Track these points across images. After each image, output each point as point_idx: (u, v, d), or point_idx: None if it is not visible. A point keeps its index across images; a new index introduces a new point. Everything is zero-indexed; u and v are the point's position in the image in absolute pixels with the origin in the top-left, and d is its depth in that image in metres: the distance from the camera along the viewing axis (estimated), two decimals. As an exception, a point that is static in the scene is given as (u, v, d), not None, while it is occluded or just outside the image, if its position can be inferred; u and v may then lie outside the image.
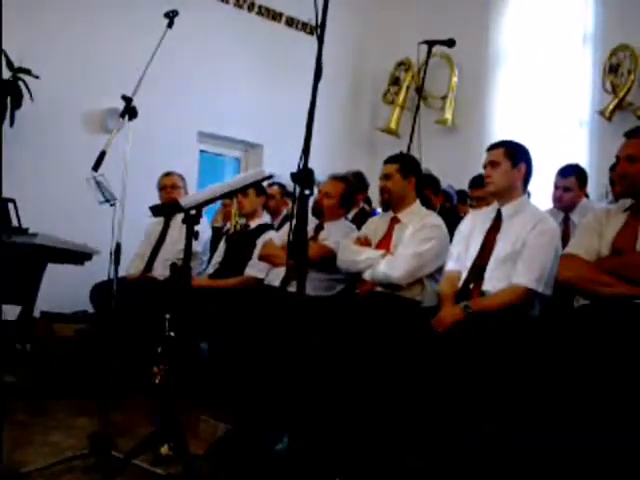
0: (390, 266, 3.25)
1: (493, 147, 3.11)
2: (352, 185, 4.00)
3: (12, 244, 3.88)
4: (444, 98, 6.58)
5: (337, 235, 3.72)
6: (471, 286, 3.00)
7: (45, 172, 5.14)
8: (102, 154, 3.13)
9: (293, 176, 2.16)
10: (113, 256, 2.86)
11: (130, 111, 3.16)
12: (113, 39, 5.44)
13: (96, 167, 3.16)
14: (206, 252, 4.54)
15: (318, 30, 2.34)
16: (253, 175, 2.72)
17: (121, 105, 5.19)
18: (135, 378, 3.53)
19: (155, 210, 2.73)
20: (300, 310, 2.23)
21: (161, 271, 4.35)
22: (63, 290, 4.56)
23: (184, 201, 2.52)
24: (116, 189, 4.33)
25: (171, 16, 3.32)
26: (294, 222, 2.11)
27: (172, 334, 2.73)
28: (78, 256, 3.88)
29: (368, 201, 5.09)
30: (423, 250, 3.27)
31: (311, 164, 2.17)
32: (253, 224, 4.31)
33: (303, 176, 2.12)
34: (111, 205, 4.33)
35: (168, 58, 4.35)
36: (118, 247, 2.98)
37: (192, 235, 2.52)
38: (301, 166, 2.17)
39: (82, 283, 4.46)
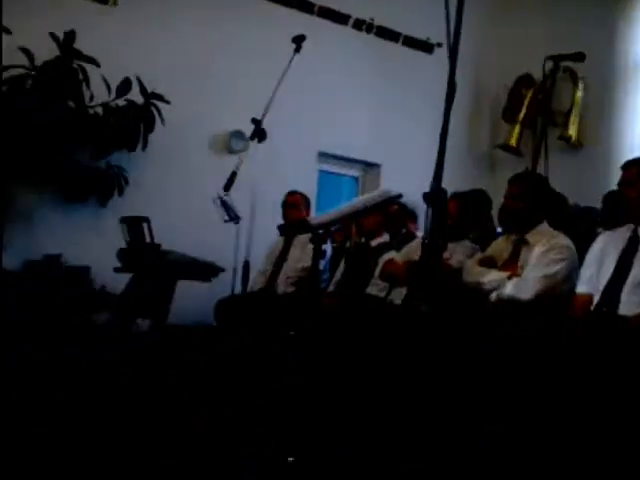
0: (518, 288, 3.15)
1: (630, 165, 2.97)
2: (475, 204, 3.93)
3: (145, 261, 4.11)
4: (567, 114, 6.37)
5: (460, 255, 3.67)
6: (604, 310, 2.88)
7: (174, 192, 5.39)
8: (233, 175, 3.26)
9: (426, 196, 2.15)
10: (241, 273, 2.98)
11: (259, 133, 3.26)
12: (238, 63, 5.65)
13: (227, 188, 3.28)
14: (327, 270, 4.59)
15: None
16: (380, 195, 2.74)
17: (244, 127, 5.44)
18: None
19: (283, 229, 2.80)
20: (428, 328, 2.21)
21: (283, 288, 4.44)
22: (186, 304, 4.74)
23: (313, 220, 2.57)
24: (240, 208, 4.52)
25: (299, 41, 3.41)
26: (425, 241, 2.10)
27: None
28: (206, 273, 4.04)
29: (490, 220, 4.98)
30: (553, 272, 3.15)
31: (430, 182, 2.16)
32: (374, 243, 4.32)
33: (436, 196, 2.11)
34: (235, 223, 4.51)
35: (290, 80, 4.50)
36: (247, 265, 3.10)
37: (320, 254, 2.56)
38: (430, 186, 2.16)
39: (204, 298, 4.63)
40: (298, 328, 2.85)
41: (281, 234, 2.97)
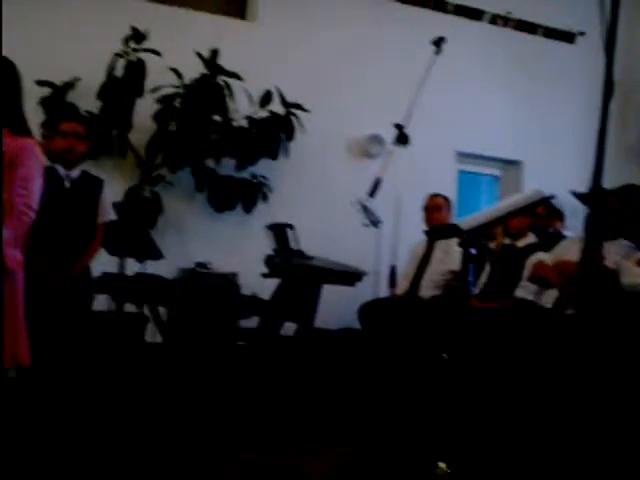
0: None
1: None
2: (632, 200, 3.71)
3: (290, 266, 4.22)
4: None
5: (616, 255, 3.48)
6: None
7: (315, 197, 5.50)
8: (377, 181, 3.27)
9: (582, 195, 2.06)
10: (388, 277, 2.98)
11: (402, 138, 3.26)
12: (373, 67, 5.68)
13: (372, 193, 3.31)
14: (470, 273, 4.50)
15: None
16: (532, 195, 2.65)
17: (382, 130, 5.45)
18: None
19: (432, 233, 2.77)
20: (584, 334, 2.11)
21: (427, 291, 4.41)
22: (327, 307, 4.81)
23: (463, 224, 2.53)
24: (381, 211, 4.54)
25: (439, 43, 3.37)
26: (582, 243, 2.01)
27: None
28: (350, 277, 4.08)
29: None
30: None
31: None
32: (520, 244, 4.19)
33: (595, 195, 2.02)
34: (376, 227, 4.53)
35: (427, 80, 4.46)
36: (393, 270, 3.11)
37: (470, 258, 2.52)
38: (589, 184, 2.06)
39: (346, 302, 4.69)
40: (446, 335, 2.81)
41: (430, 238, 2.94)
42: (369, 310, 4.36)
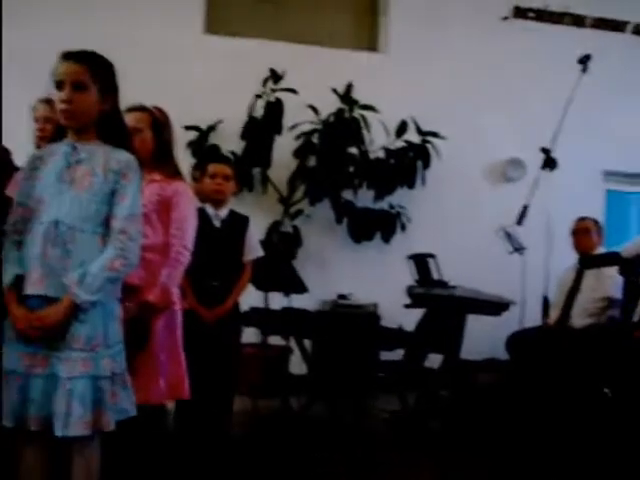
0: None
1: None
2: None
3: (434, 297, 4.15)
4: None
5: None
6: None
7: (453, 225, 5.41)
8: (525, 208, 3.16)
9: None
10: (541, 306, 2.86)
11: (550, 162, 3.13)
12: (509, 90, 5.55)
13: (520, 221, 3.19)
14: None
15: None
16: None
17: (521, 154, 5.30)
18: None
19: (586, 262, 2.63)
20: None
21: (579, 320, 4.17)
22: (472, 337, 4.67)
23: (624, 252, 2.38)
24: (526, 237, 4.38)
25: (585, 61, 3.23)
26: None
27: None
28: (496, 307, 3.95)
29: None
30: None
31: None
32: (683, 268, 3.89)
33: None
34: (520, 254, 4.37)
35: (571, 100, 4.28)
36: (546, 299, 2.98)
37: (636, 287, 2.35)
38: None
39: (490, 332, 4.52)
40: (607, 368, 2.63)
41: (584, 267, 2.79)
42: (518, 340, 4.20)
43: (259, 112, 4.95)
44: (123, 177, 2.11)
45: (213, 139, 5.03)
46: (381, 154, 5.16)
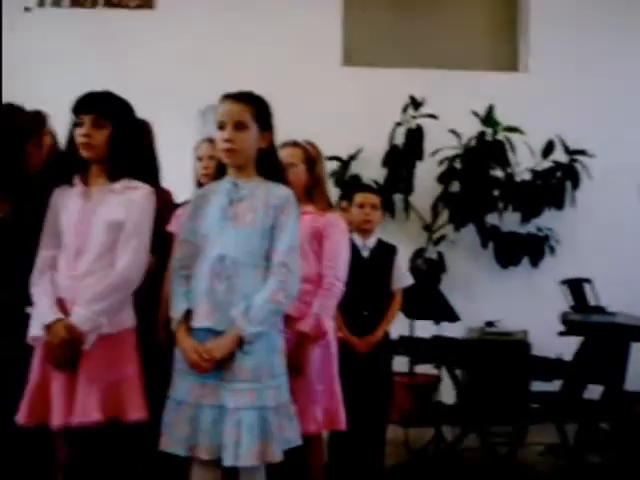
0: None
1: None
2: None
3: (593, 324, 3.93)
4: None
5: None
6: None
7: (609, 247, 5.13)
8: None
9: None
10: None
11: None
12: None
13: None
14: None
15: None
16: None
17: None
18: None
19: None
20: None
21: None
22: (637, 366, 4.37)
23: None
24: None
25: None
26: None
27: None
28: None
29: None
30: None
31: None
32: None
33: None
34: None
35: None
36: None
37: None
38: None
39: None
40: None
41: None
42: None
43: (399, 139, 4.96)
44: (282, 212, 2.17)
45: (354, 168, 5.08)
46: (527, 176, 5.00)
